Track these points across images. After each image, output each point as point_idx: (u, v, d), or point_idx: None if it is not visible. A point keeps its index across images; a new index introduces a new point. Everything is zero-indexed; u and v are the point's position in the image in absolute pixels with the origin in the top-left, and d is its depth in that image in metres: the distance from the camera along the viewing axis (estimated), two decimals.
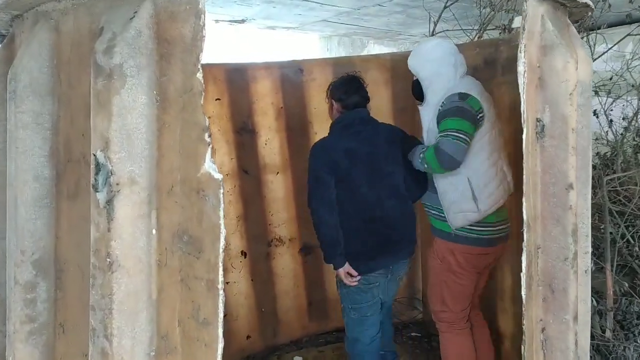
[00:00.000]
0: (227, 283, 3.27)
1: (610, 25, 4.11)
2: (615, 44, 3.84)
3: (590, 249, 2.01)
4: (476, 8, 3.60)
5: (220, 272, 1.14)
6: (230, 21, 5.77)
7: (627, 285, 3.14)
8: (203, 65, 1.20)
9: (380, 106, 3.46)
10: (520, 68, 1.59)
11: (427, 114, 2.42)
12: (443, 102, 2.32)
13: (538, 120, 1.66)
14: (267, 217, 3.38)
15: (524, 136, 1.64)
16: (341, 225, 2.37)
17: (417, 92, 2.50)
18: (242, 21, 5.75)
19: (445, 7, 3.72)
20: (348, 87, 2.52)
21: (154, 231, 1.17)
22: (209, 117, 3.19)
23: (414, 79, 2.52)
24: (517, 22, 2.47)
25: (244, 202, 3.29)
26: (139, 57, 1.15)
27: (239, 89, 3.24)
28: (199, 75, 1.19)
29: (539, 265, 1.72)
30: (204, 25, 1.16)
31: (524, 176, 1.66)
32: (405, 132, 2.65)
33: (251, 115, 3.27)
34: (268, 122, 3.28)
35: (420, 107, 2.50)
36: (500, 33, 3.60)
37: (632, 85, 4.11)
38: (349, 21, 5.71)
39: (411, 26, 5.99)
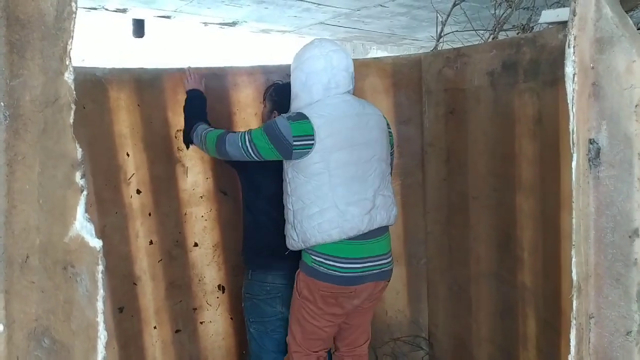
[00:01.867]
0: (202, 323, 2.82)
1: None
2: None
3: None
4: (491, 6, 3.15)
5: None
6: (220, 24, 5.34)
7: None
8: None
9: None
10: (569, 69, 1.14)
11: None
12: None
13: (591, 141, 1.20)
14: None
15: (572, 164, 1.18)
16: (250, 220, 2.47)
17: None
18: (233, 24, 5.33)
19: (455, 5, 3.27)
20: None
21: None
22: (180, 130, 2.77)
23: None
24: (545, 16, 2.02)
25: (221, 228, 2.84)
26: None
27: (217, 98, 2.79)
28: (68, 76, 0.74)
29: (591, 341, 1.25)
30: None
31: (574, 220, 1.20)
32: None
33: (231, 128, 2.83)
34: None
35: None
36: (517, 33, 3.15)
37: None
38: (348, 24, 5.28)
39: (416, 29, 5.55)
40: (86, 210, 0.75)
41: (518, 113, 2.37)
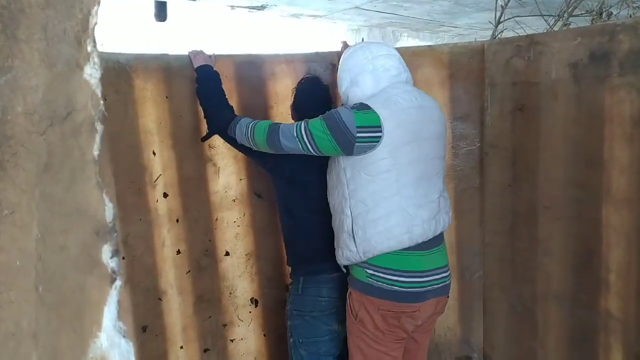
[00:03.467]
0: (232, 340, 2.53)
1: None
2: None
3: None
4: None
5: None
6: (248, 7, 5.01)
7: None
8: None
9: None
10: None
11: None
12: None
13: None
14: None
15: None
16: (292, 226, 2.19)
17: None
18: (262, 7, 4.99)
19: None
20: (313, 102, 2.21)
21: None
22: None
23: None
24: None
25: (255, 235, 2.54)
26: None
27: (253, 89, 2.49)
28: (92, 72, 0.42)
29: None
30: None
31: None
32: None
33: None
34: None
35: None
36: (592, 20, 2.78)
37: None
38: (385, 9, 4.91)
39: (457, 16, 5.17)
40: (120, 317, 0.44)
41: (610, 112, 2.02)
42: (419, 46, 2.68)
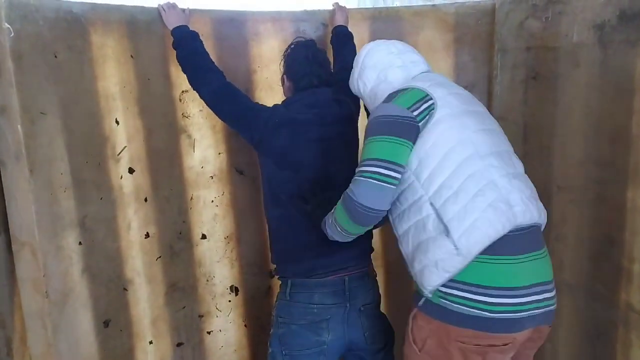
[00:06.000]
0: (210, 333, 2.28)
1: None
2: None
3: None
4: None
5: None
6: None
7: None
8: None
9: None
10: None
11: None
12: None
13: None
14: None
15: None
16: (278, 216, 1.84)
17: None
18: None
19: None
20: (301, 63, 1.93)
21: None
22: (181, 94, 2.15)
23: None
24: None
25: (236, 216, 2.27)
26: None
27: (233, 51, 2.19)
28: None
29: None
30: None
31: None
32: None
33: (250, 90, 2.23)
34: (275, 100, 2.21)
35: None
36: None
37: None
38: None
39: None
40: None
41: None
42: (421, 5, 2.38)
